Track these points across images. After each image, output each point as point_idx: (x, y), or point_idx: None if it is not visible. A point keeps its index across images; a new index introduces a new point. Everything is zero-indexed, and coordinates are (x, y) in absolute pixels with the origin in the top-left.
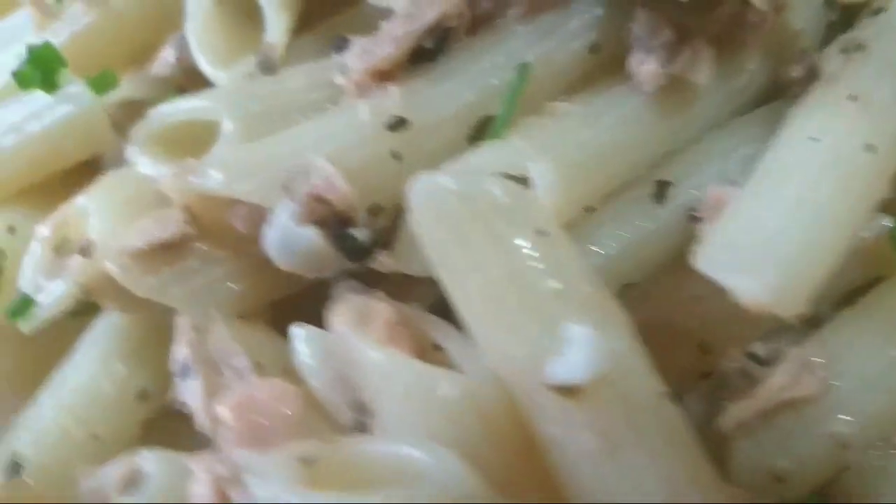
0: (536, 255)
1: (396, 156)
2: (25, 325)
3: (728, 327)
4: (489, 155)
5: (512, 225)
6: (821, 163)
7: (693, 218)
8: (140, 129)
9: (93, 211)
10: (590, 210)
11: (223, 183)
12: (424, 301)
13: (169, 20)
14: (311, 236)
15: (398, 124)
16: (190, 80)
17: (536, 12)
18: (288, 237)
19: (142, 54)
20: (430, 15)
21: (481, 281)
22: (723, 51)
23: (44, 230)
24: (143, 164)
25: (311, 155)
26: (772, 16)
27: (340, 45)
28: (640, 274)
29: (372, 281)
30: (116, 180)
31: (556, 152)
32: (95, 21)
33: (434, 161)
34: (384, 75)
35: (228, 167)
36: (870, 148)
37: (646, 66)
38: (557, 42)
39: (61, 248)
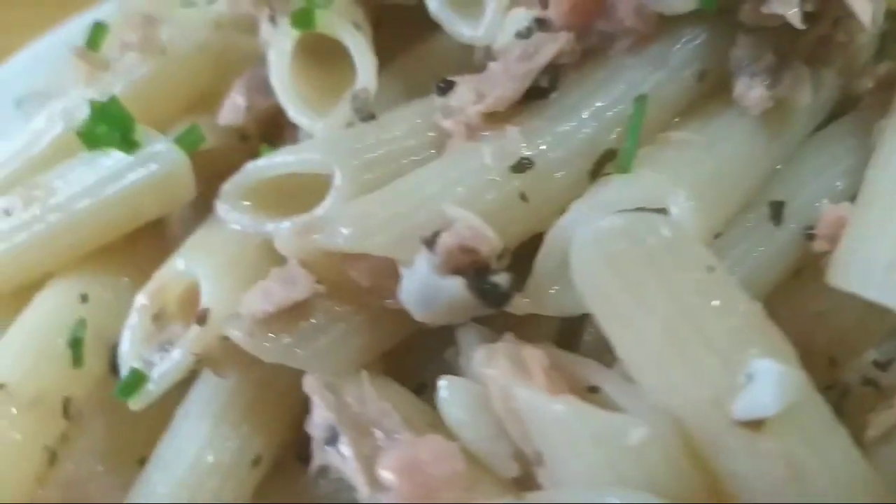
0: (710, 292)
1: (524, 197)
2: (138, 402)
3: (851, 339)
4: (623, 190)
5: (683, 264)
6: None
7: (810, 236)
8: (234, 185)
9: (203, 276)
10: (717, 237)
11: (353, 238)
12: (546, 340)
13: (231, 66)
14: (455, 286)
15: (524, 165)
16: (261, 127)
17: (643, 44)
18: (429, 288)
19: (198, 102)
20: (546, 53)
21: (656, 323)
22: (813, 69)
23: (142, 300)
24: (242, 221)
25: (443, 205)
26: (858, 35)
27: (445, 87)
28: (763, 296)
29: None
30: (214, 240)
31: (688, 182)
32: (152, 71)
33: (559, 200)
34: (498, 116)
35: (357, 222)
36: None
37: (753, 91)
38: (667, 72)
39: (160, 317)
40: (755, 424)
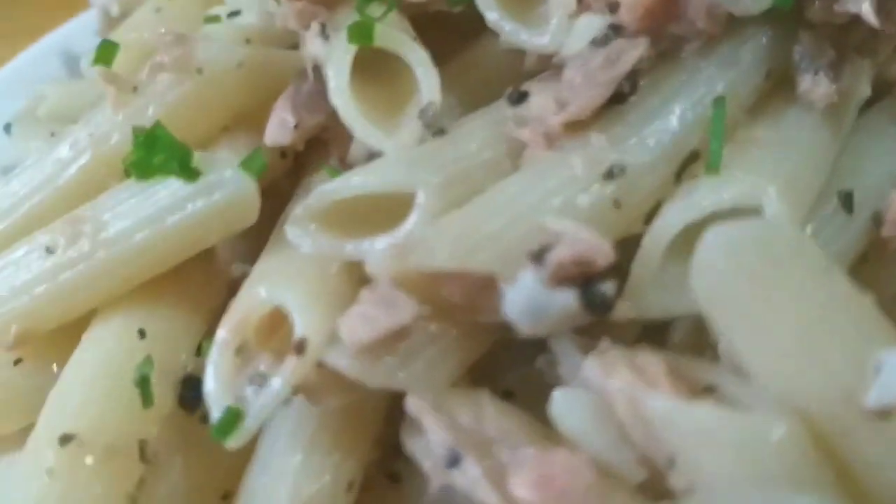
0: (832, 290)
1: (617, 204)
2: (237, 440)
3: None
4: (717, 191)
5: (805, 266)
6: None
7: (877, 221)
8: (306, 209)
9: (292, 305)
10: None
11: (455, 257)
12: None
13: (271, 84)
14: (566, 298)
15: (615, 172)
16: (310, 145)
17: (713, 45)
18: (539, 302)
19: (234, 122)
20: (629, 59)
21: (786, 324)
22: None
23: (224, 334)
24: (320, 245)
25: (544, 217)
26: None
27: (517, 97)
28: None
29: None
30: (291, 264)
31: (776, 180)
32: (189, 92)
33: (648, 203)
34: (580, 125)
35: (456, 241)
36: None
37: (819, 87)
38: (737, 72)
39: (241, 349)
40: (886, 414)
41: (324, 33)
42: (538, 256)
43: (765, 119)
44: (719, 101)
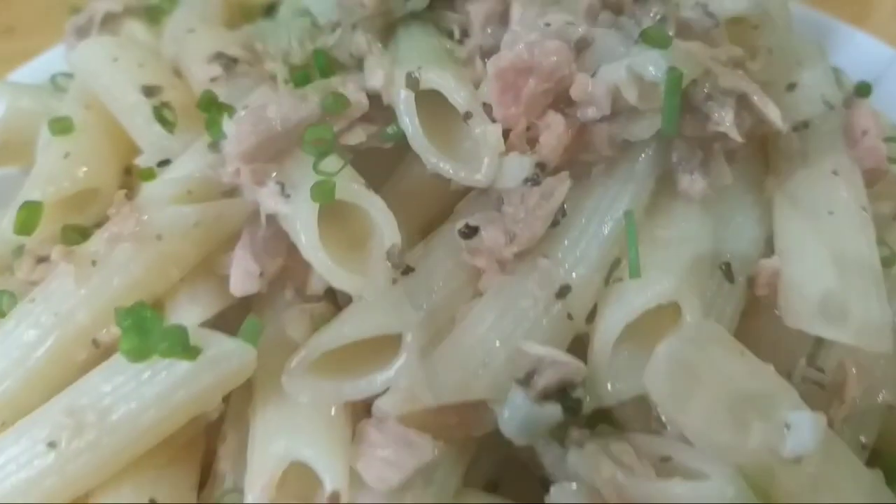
0: (747, 368)
1: (570, 316)
2: None
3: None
4: (644, 293)
5: (726, 353)
6: (846, 228)
7: (751, 284)
8: (302, 362)
9: (314, 458)
10: None
11: (454, 392)
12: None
13: (225, 232)
14: (553, 410)
15: (565, 290)
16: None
17: (613, 165)
18: (530, 418)
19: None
20: (560, 194)
21: (717, 402)
22: None
23: (255, 497)
24: (320, 394)
25: (521, 344)
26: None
27: (470, 231)
28: None
29: None
30: (296, 414)
31: (683, 275)
32: (149, 260)
33: (589, 308)
34: (527, 251)
35: (452, 377)
36: (864, 208)
37: (695, 185)
38: (635, 183)
39: None
40: (799, 458)
41: (283, 192)
42: (526, 381)
43: (660, 217)
44: (629, 215)
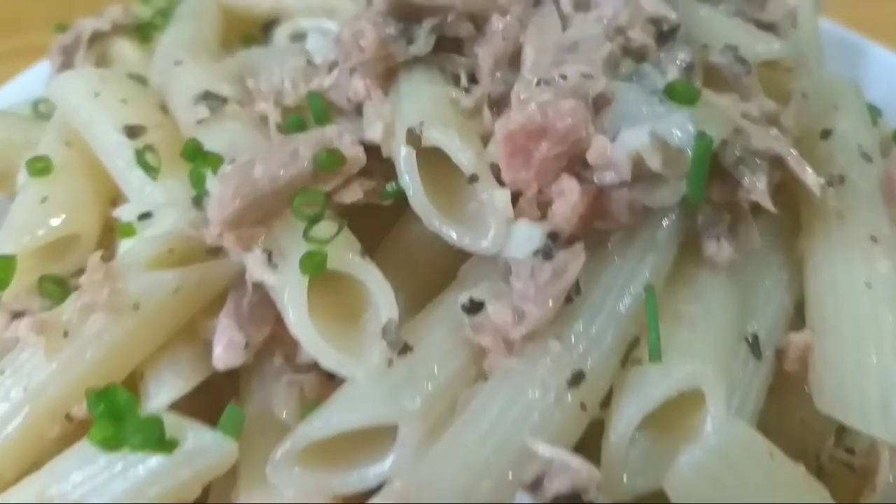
0: (777, 476)
1: (583, 406)
2: None
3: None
4: (664, 381)
5: (754, 456)
6: (885, 306)
7: (779, 357)
8: (288, 453)
9: None
10: None
11: (455, 494)
12: None
13: (208, 296)
14: None
15: (578, 378)
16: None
17: (631, 233)
18: None
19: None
20: (574, 269)
21: None
22: None
23: None
24: (307, 486)
25: (528, 440)
26: None
27: (474, 306)
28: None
29: None
30: None
31: (706, 359)
32: (125, 331)
33: (604, 394)
34: (537, 331)
35: (453, 477)
36: None
37: (722, 251)
38: (657, 253)
39: None
40: None
41: (270, 261)
42: (534, 486)
43: (682, 289)
44: (649, 289)
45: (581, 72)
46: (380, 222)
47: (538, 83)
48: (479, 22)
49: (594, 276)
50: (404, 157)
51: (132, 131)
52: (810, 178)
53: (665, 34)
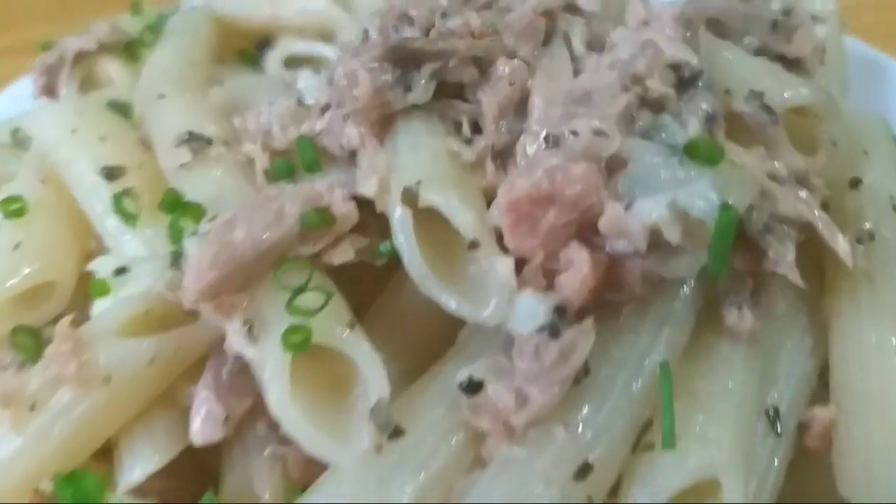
0: None
1: (590, 498)
2: None
3: None
4: (678, 470)
5: None
6: None
7: (801, 431)
8: None
9: None
10: None
11: None
12: None
13: (186, 362)
14: None
15: (585, 470)
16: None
17: (647, 304)
18: None
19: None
20: (583, 350)
21: None
22: None
23: None
24: None
25: None
26: None
27: (472, 386)
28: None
29: None
30: None
31: (724, 447)
32: (96, 405)
33: (610, 483)
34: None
35: None
36: None
37: (744, 321)
38: (672, 325)
39: None
40: None
41: (251, 333)
42: None
43: (699, 362)
44: (664, 367)
45: (593, 128)
46: (373, 275)
47: (546, 140)
48: (483, 65)
49: (605, 352)
50: (399, 218)
51: (110, 173)
52: (842, 246)
53: (686, 81)
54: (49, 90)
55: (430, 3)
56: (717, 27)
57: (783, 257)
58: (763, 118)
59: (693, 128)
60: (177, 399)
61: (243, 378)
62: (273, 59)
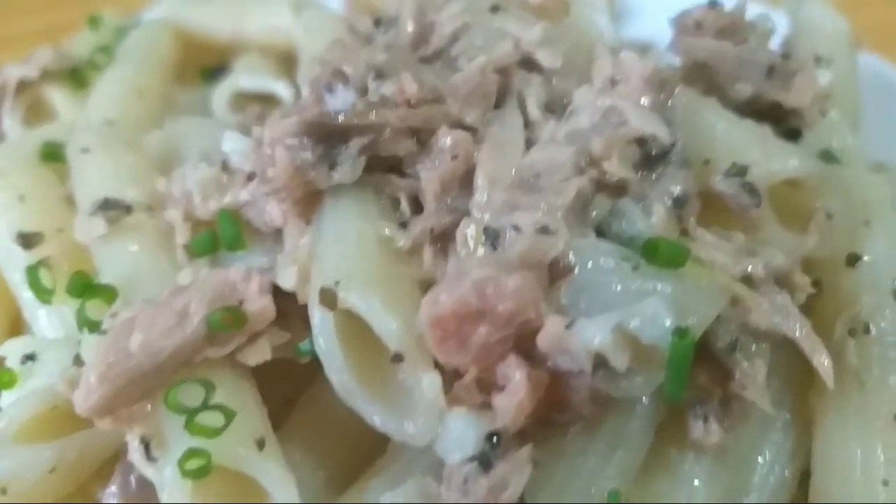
0: None
1: None
2: None
3: None
4: None
5: None
6: None
7: None
8: None
9: None
10: None
11: None
12: None
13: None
14: None
15: None
16: None
17: (597, 423)
18: None
19: None
20: (517, 486)
21: None
22: None
23: None
24: None
25: None
26: None
27: None
28: None
29: None
30: None
31: None
32: None
33: None
34: None
35: None
36: None
37: (711, 434)
38: (627, 445)
39: None
40: None
41: (148, 454)
42: None
43: (658, 479)
44: (614, 496)
45: (537, 223)
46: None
47: (486, 233)
48: (422, 136)
49: (547, 479)
50: (319, 321)
51: (26, 240)
52: (823, 367)
53: (654, 158)
54: None
55: (368, 57)
56: (706, 71)
57: (752, 378)
58: (745, 200)
59: (658, 216)
60: (90, 497)
61: (153, 486)
62: (219, 98)
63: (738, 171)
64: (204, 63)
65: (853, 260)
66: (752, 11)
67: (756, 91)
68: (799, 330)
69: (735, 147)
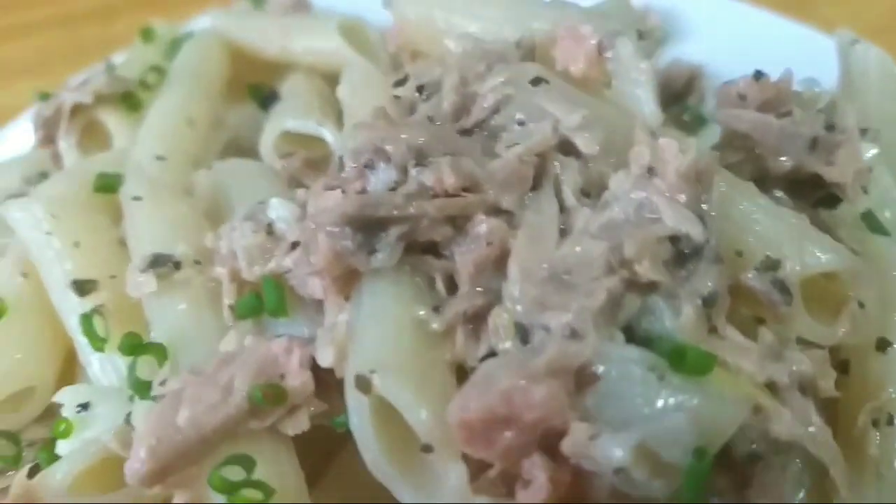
0: None
1: None
2: None
3: None
4: None
5: None
6: None
7: None
8: None
9: None
10: None
11: None
12: None
13: None
14: None
15: None
16: None
17: None
18: None
19: None
20: None
21: None
22: None
23: None
24: None
25: None
26: None
27: None
28: None
29: None
30: None
31: None
32: None
33: None
34: None
35: None
36: None
37: None
38: None
39: None
40: None
41: None
42: None
43: None
44: None
45: (568, 326)
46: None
47: (517, 328)
48: (459, 222)
49: None
50: (354, 402)
51: (81, 288)
52: (840, 480)
53: (686, 256)
54: (48, 142)
55: (409, 135)
56: (747, 141)
57: (771, 488)
58: (776, 297)
59: (687, 317)
60: None
61: None
62: (266, 140)
63: (771, 266)
64: (250, 77)
65: (883, 345)
66: (801, 74)
67: (797, 163)
68: (821, 445)
69: (770, 239)
